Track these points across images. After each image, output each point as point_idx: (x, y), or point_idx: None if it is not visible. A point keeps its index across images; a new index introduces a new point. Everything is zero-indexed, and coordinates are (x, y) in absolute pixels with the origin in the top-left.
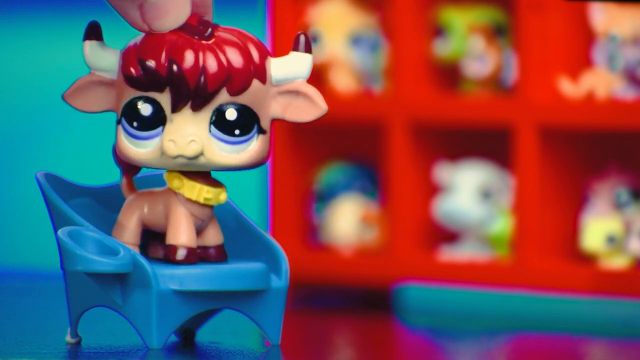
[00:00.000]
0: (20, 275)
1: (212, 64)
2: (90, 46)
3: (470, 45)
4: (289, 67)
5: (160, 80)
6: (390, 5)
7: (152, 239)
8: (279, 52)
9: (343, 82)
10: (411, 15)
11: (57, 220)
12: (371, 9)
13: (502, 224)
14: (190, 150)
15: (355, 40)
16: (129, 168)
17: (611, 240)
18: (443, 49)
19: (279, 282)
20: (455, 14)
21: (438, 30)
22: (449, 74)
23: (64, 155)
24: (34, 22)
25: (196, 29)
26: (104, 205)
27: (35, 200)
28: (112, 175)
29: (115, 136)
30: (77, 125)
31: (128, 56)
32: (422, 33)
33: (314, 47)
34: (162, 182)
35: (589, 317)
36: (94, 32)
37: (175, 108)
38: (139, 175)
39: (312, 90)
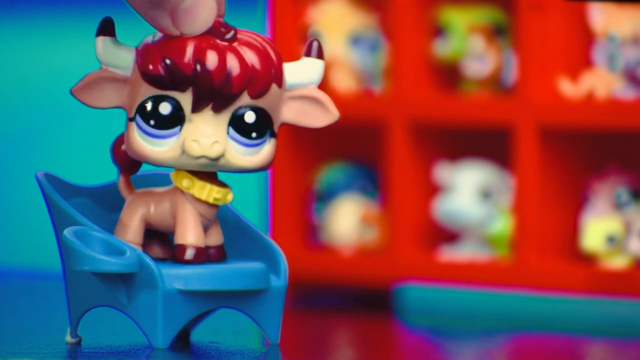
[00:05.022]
0: (20, 275)
1: (236, 66)
2: (103, 42)
3: (470, 45)
4: (302, 72)
5: (185, 80)
6: (390, 5)
7: (149, 238)
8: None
9: (343, 82)
10: (411, 15)
11: (58, 220)
12: (371, 9)
13: (502, 224)
14: (214, 152)
15: (355, 40)
16: (127, 167)
17: (611, 240)
18: (443, 49)
19: (278, 281)
20: (455, 14)
21: (438, 30)
22: (449, 74)
23: (63, 155)
24: (34, 22)
25: (218, 31)
26: (101, 205)
27: (35, 200)
28: (111, 174)
29: (123, 133)
30: (76, 125)
31: (149, 54)
32: (422, 33)
33: None
34: (158, 182)
35: (589, 317)
36: (107, 28)
37: (197, 108)
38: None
39: (324, 97)
